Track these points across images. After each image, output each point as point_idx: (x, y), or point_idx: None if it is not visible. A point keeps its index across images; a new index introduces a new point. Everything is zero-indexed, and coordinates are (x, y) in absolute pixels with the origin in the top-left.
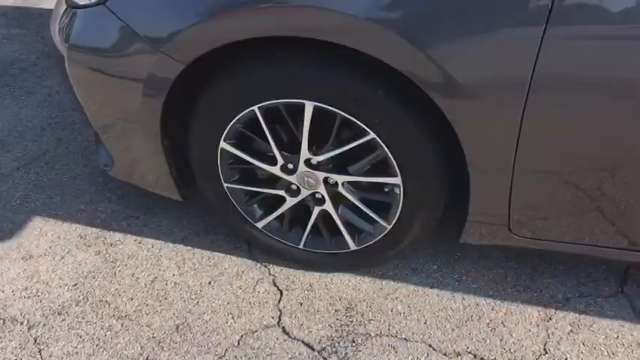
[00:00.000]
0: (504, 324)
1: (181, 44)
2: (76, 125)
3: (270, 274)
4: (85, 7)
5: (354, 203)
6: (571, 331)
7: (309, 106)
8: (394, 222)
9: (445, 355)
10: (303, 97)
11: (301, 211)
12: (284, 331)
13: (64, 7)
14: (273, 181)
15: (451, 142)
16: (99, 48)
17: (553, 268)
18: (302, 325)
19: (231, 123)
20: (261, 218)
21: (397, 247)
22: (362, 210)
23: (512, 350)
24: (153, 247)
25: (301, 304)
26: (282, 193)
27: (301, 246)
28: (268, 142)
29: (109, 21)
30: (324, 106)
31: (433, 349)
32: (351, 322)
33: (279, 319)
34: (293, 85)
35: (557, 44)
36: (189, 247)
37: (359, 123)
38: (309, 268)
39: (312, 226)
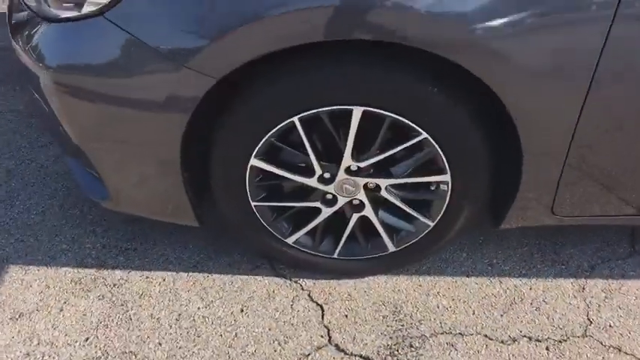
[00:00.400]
0: (546, 301)
1: (215, 55)
2: (24, 150)
3: (303, 289)
4: (70, 20)
5: (394, 205)
6: (605, 297)
7: (357, 112)
8: (439, 218)
9: (503, 343)
10: (351, 103)
11: (334, 219)
12: (338, 348)
13: (24, 16)
14: (305, 193)
15: (500, 133)
16: (99, 69)
17: (570, 239)
18: (354, 338)
19: (265, 137)
20: (292, 233)
21: (440, 242)
22: (402, 210)
23: (561, 326)
24: (164, 280)
25: (346, 316)
26: (317, 204)
27: (335, 255)
28: (304, 154)
29: (111, 35)
30: (375, 110)
31: (489, 338)
32: (403, 326)
33: (329, 337)
34: (340, 91)
35: (627, 30)
36: (206, 274)
37: (411, 124)
38: (344, 277)
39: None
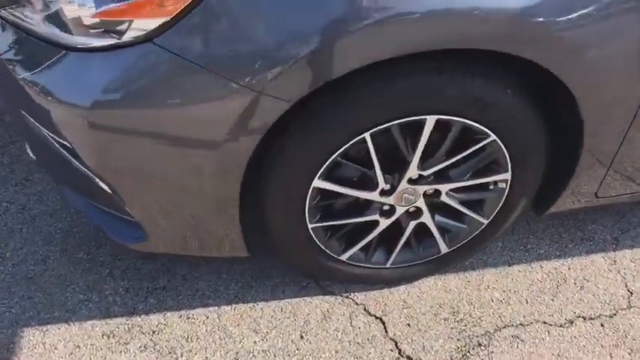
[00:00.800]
0: (586, 279)
1: (293, 78)
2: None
3: (357, 304)
4: (106, 49)
5: (449, 208)
6: (635, 266)
7: (430, 121)
8: (493, 215)
9: (561, 327)
10: (425, 113)
11: (386, 229)
12: None
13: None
14: (360, 207)
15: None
16: (149, 102)
17: (588, 215)
18: (424, 347)
19: (333, 157)
20: (346, 249)
21: (492, 237)
22: (455, 211)
23: (607, 301)
24: (208, 317)
25: (409, 324)
26: (376, 217)
27: (388, 265)
28: (367, 168)
29: (163, 63)
30: (448, 117)
31: (548, 324)
32: (465, 325)
33: (399, 350)
34: (415, 102)
35: None
36: (251, 304)
37: (482, 127)
38: (395, 284)
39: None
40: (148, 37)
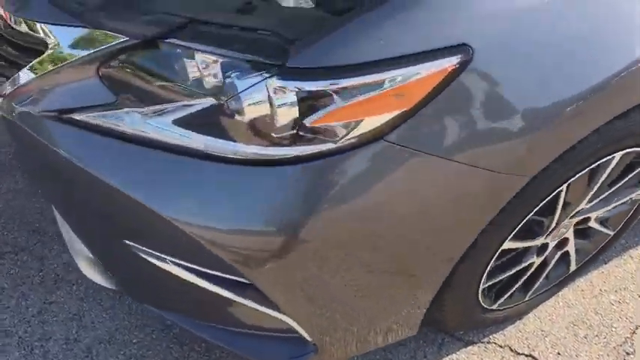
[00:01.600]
0: None
1: (540, 152)
2: (18, 327)
3: (501, 346)
4: (314, 158)
5: (585, 229)
6: None
7: (617, 158)
8: (620, 226)
9: None
10: (617, 150)
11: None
12: None
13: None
14: (521, 254)
15: None
16: (375, 211)
17: None
18: None
19: (529, 216)
20: (497, 298)
21: (611, 246)
22: (588, 230)
23: None
24: None
25: (559, 353)
26: (533, 259)
27: (527, 298)
28: (546, 216)
29: (397, 163)
30: (634, 149)
31: None
32: (605, 338)
33: None
34: (620, 142)
35: None
36: None
37: None
38: (525, 315)
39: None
40: (377, 136)
